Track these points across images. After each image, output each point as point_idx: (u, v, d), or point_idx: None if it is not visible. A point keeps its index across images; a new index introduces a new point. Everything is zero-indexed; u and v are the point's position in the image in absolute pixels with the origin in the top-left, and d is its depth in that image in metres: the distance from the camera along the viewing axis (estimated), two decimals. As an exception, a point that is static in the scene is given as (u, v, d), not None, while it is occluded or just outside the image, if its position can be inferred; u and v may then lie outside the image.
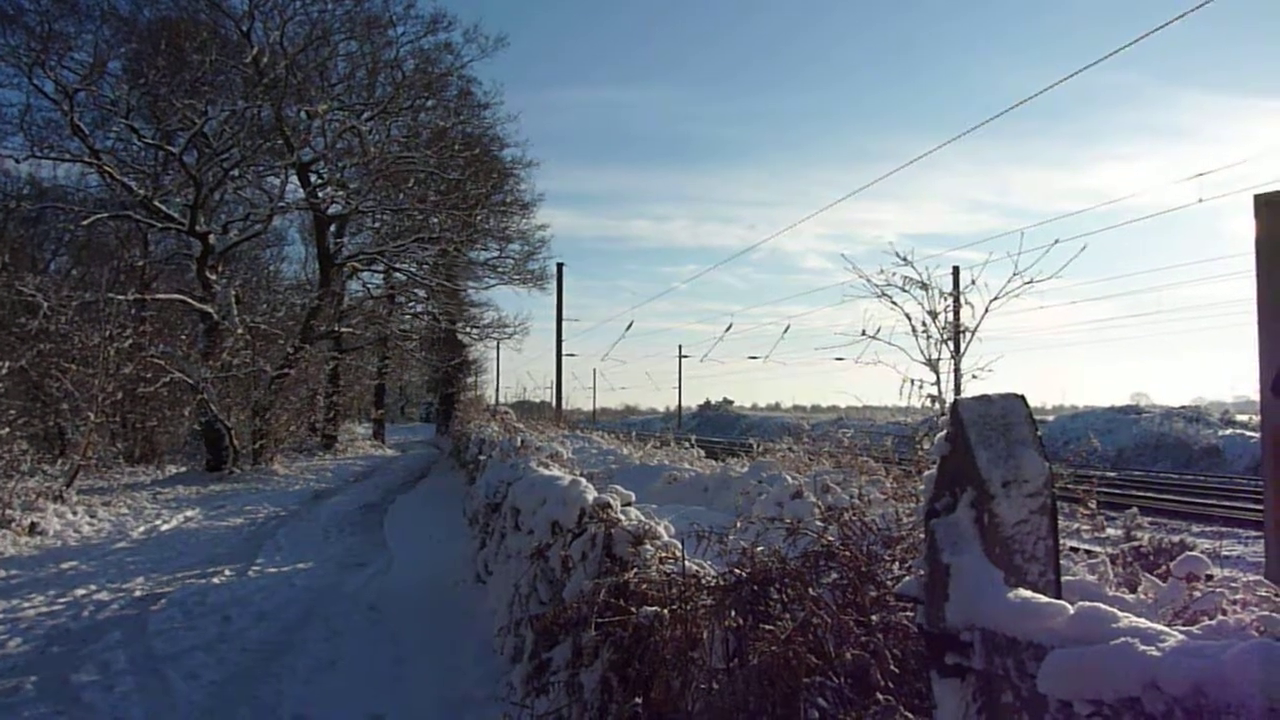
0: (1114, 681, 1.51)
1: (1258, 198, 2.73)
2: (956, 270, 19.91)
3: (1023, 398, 2.16)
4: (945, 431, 2.22)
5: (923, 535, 2.30)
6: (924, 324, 7.23)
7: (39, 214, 26.58)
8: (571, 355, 40.50)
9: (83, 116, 23.43)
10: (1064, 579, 2.28)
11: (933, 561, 2.14)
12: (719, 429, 63.27)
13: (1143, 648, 1.50)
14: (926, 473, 2.37)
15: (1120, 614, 1.67)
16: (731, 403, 79.74)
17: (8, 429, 16.07)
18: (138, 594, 9.64)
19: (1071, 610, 1.74)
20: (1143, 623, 1.62)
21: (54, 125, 23.79)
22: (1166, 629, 1.60)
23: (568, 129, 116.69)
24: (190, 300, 24.65)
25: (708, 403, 80.00)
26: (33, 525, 13.46)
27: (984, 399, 2.15)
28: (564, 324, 35.39)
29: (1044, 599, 1.86)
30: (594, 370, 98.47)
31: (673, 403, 79.14)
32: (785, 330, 30.42)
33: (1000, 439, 2.06)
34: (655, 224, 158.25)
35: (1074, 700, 1.60)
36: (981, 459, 2.05)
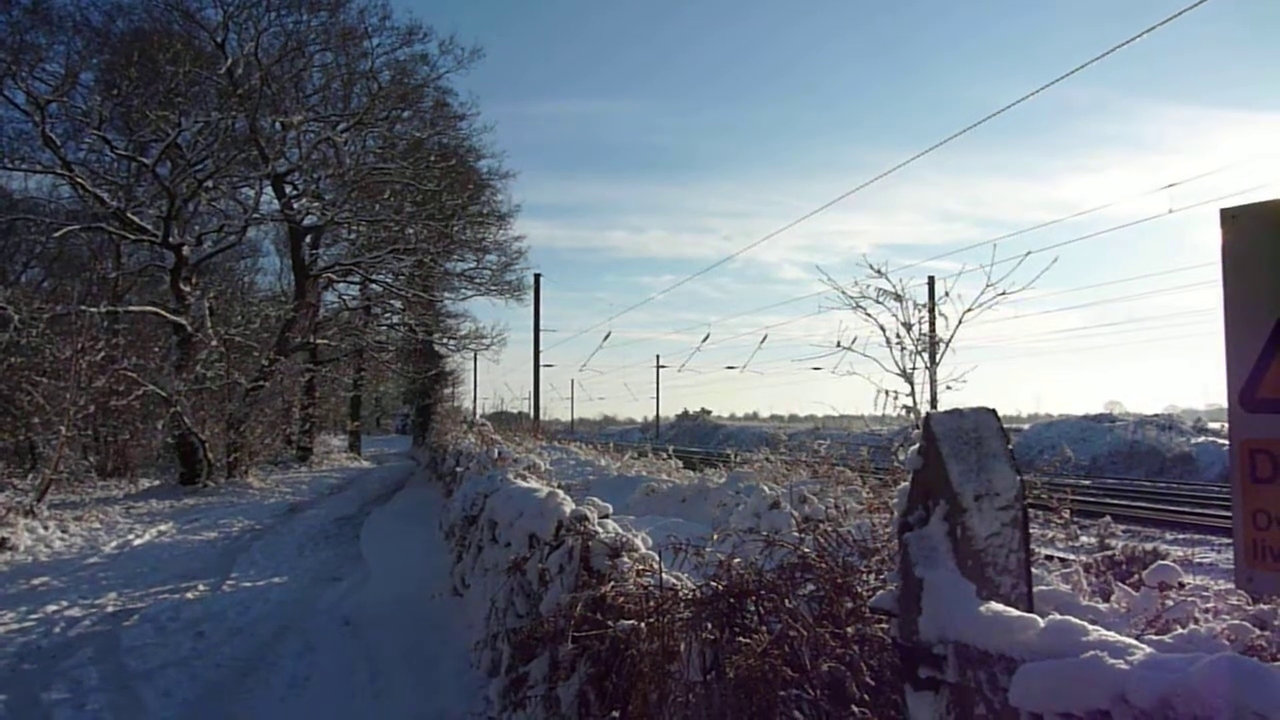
0: (1084, 695, 1.52)
1: (1224, 211, 2.76)
2: (932, 281, 20.01)
3: (994, 411, 2.18)
4: (918, 445, 2.24)
5: (898, 547, 2.32)
6: (898, 336, 7.29)
7: (10, 226, 26.21)
8: (549, 366, 40.55)
9: (54, 128, 23.21)
10: (1037, 588, 2.29)
11: (906, 575, 2.15)
12: (697, 439, 63.35)
13: (1111, 661, 1.52)
14: (900, 485, 2.38)
15: (1090, 627, 1.69)
16: (709, 413, 79.87)
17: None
18: (110, 610, 9.52)
19: (1042, 624, 1.75)
20: (1111, 636, 1.63)
21: (25, 136, 23.61)
22: (1135, 642, 1.62)
23: (544, 140, 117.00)
24: (164, 312, 24.40)
25: (686, 413, 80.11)
26: (3, 541, 13.27)
27: (955, 413, 2.17)
28: (541, 335, 35.37)
29: (1016, 612, 1.87)
30: (572, 381, 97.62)
31: (651, 413, 79.15)
32: (762, 340, 30.44)
33: (972, 452, 2.08)
34: (632, 235, 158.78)
35: (1045, 713, 1.62)
36: (954, 473, 2.06)
